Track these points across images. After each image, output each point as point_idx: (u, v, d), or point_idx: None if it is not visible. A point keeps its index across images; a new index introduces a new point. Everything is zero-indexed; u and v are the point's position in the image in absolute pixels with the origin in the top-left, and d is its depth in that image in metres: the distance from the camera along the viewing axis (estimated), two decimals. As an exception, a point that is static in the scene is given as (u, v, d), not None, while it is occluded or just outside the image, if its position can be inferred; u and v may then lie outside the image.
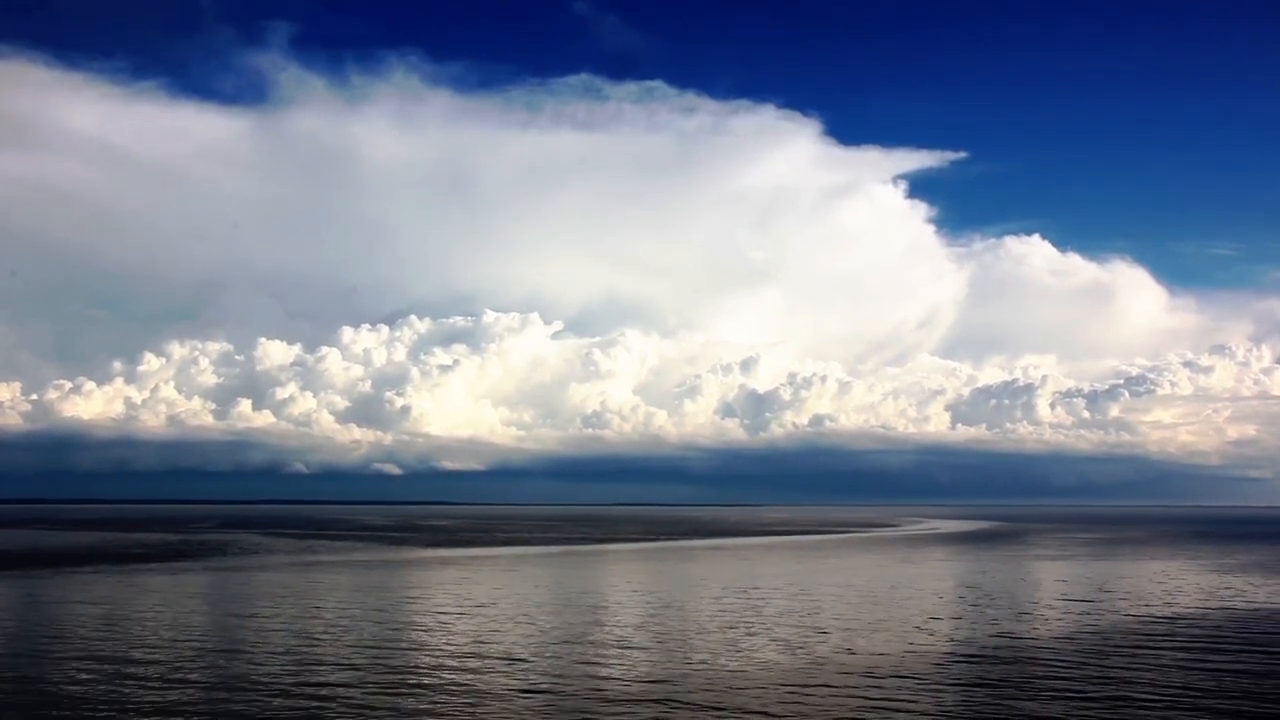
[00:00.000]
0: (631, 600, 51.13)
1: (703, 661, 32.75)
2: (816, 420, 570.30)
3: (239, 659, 32.92)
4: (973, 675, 30.39)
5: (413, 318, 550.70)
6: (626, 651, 34.56)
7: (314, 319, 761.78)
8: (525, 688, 28.43)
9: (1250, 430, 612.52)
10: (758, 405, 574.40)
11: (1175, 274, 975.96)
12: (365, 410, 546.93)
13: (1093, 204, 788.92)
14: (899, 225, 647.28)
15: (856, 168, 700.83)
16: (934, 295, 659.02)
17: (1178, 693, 28.01)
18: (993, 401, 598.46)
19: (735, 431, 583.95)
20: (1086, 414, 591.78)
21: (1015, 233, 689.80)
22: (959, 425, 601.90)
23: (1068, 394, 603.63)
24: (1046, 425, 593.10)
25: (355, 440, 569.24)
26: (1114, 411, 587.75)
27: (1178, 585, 60.71)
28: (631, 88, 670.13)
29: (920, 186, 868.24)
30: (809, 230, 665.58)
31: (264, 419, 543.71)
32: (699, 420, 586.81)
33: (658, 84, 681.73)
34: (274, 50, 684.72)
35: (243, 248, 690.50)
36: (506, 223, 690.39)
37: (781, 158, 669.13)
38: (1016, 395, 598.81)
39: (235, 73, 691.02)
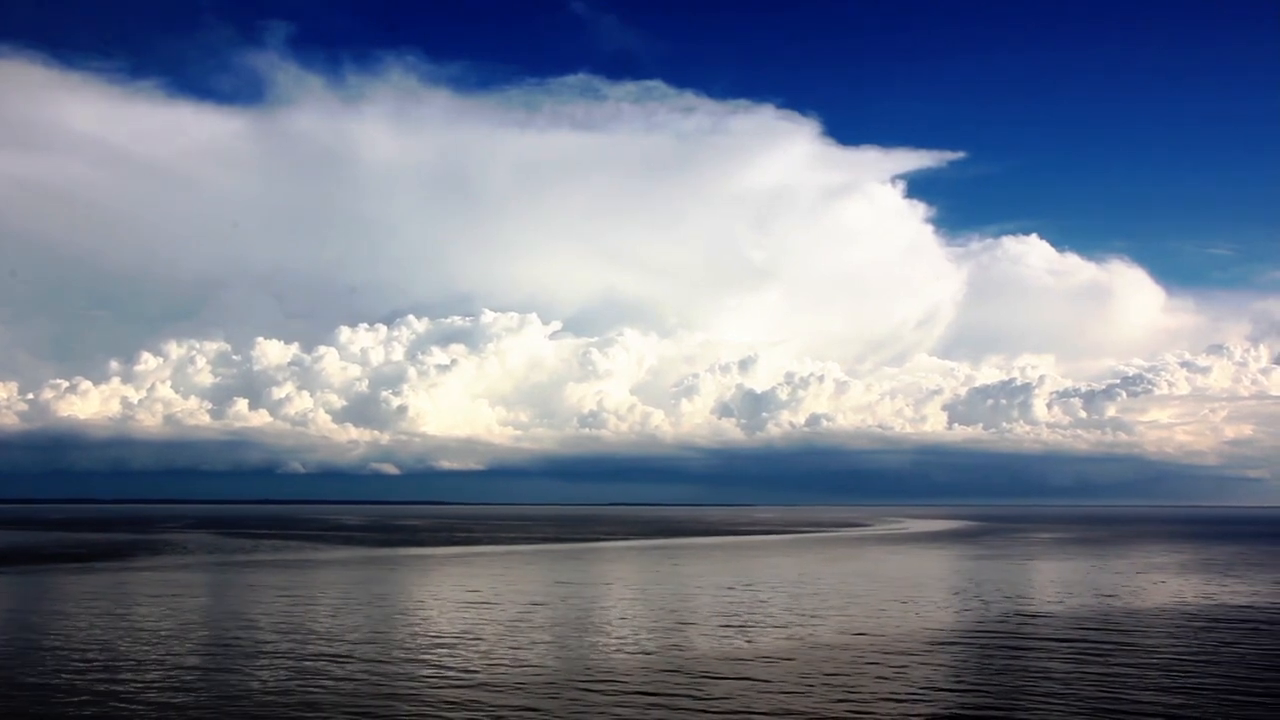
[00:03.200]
0: (505, 599, 51.40)
1: (498, 658, 33.10)
2: (814, 420, 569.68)
3: (56, 659, 33.35)
4: (757, 672, 30.76)
5: (411, 318, 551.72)
6: (447, 648, 34.94)
7: (312, 319, 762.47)
8: (320, 683, 28.86)
9: (1247, 430, 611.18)
10: (755, 405, 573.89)
11: (1173, 274, 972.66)
12: (362, 410, 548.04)
13: (1090, 204, 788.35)
14: (897, 225, 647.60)
15: (855, 168, 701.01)
16: (932, 295, 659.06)
17: (949, 690, 28.30)
18: (990, 401, 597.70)
19: (732, 431, 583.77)
20: (1083, 414, 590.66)
21: (1013, 232, 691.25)
22: (956, 425, 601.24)
23: (1065, 394, 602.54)
24: (1043, 425, 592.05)
25: (352, 440, 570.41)
26: (1111, 411, 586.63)
27: (1079, 584, 60.90)
28: (630, 87, 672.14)
29: (919, 186, 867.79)
30: (808, 230, 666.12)
31: (260, 418, 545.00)
32: (696, 420, 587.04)
33: (656, 84, 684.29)
34: (271, 49, 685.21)
35: (241, 247, 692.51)
36: (505, 223, 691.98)
37: (780, 157, 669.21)
38: (1014, 395, 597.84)
39: (233, 72, 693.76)
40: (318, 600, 50.61)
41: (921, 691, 28.08)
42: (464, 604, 48.88)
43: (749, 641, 36.94)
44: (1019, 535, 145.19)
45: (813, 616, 44.10)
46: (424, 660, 32.79)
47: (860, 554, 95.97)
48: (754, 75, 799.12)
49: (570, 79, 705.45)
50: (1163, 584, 61.59)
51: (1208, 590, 57.54)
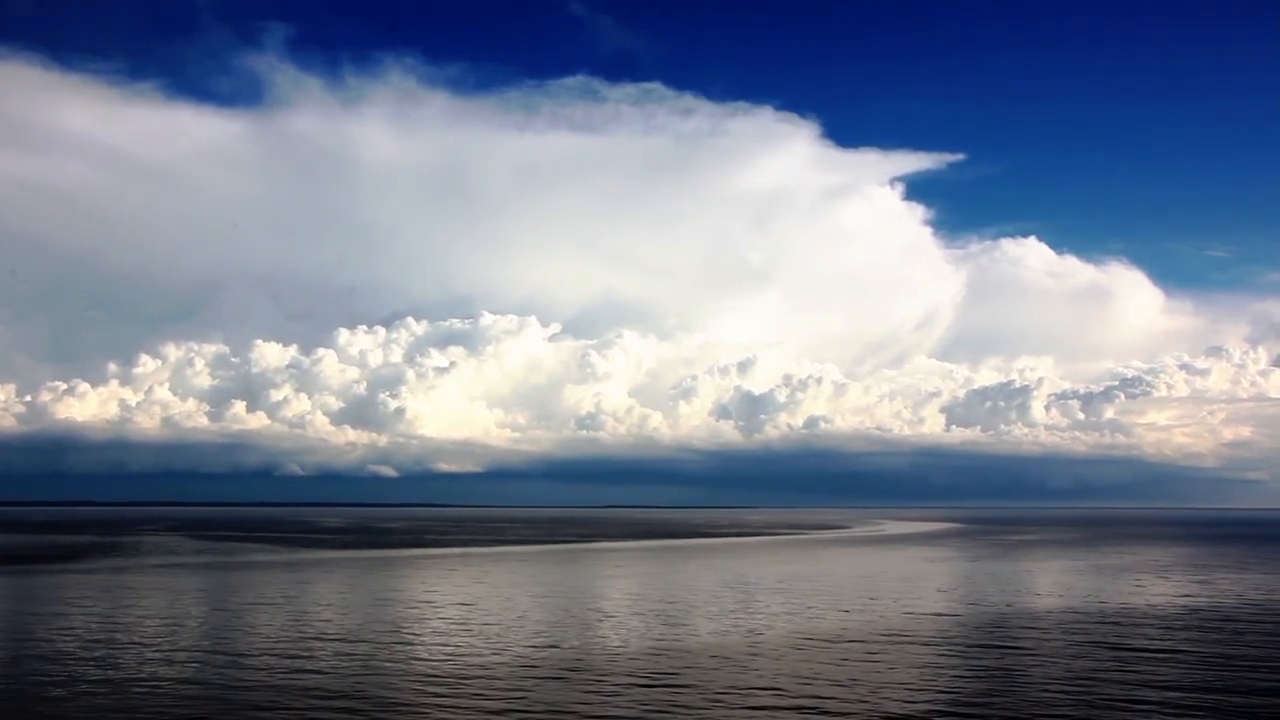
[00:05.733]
0: (413, 600, 51.64)
1: (359, 661, 33.31)
2: (811, 422, 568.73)
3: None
4: (619, 670, 30.98)
5: (410, 320, 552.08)
6: (299, 648, 35.17)
7: (311, 321, 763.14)
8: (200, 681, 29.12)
9: (1246, 432, 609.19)
10: (753, 407, 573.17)
11: (1172, 276, 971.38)
12: (360, 412, 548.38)
13: (1089, 206, 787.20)
14: (896, 227, 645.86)
15: (854, 169, 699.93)
16: (931, 297, 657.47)
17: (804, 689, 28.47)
18: (988, 403, 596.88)
19: (730, 433, 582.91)
20: (1082, 416, 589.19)
21: (1012, 234, 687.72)
22: (954, 427, 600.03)
23: (1063, 396, 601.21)
24: (1042, 427, 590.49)
25: (350, 442, 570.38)
26: (1109, 413, 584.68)
27: (999, 584, 60.95)
28: (629, 89, 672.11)
29: (917, 188, 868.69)
30: (807, 232, 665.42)
31: (258, 421, 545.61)
32: (694, 422, 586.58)
33: (655, 85, 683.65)
34: (270, 51, 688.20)
35: (240, 249, 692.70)
36: (504, 225, 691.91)
37: (779, 159, 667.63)
38: (1012, 397, 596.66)
39: (232, 74, 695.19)
40: (224, 602, 50.89)
41: (742, 690, 28.25)
42: (362, 606, 49.09)
43: (622, 643, 37.09)
44: (993, 537, 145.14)
45: (704, 618, 44.27)
46: (264, 657, 32.97)
47: (816, 556, 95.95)
48: (753, 77, 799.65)
49: (569, 81, 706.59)
50: (1080, 583, 61.67)
51: (1124, 589, 57.66)
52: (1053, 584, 62.27)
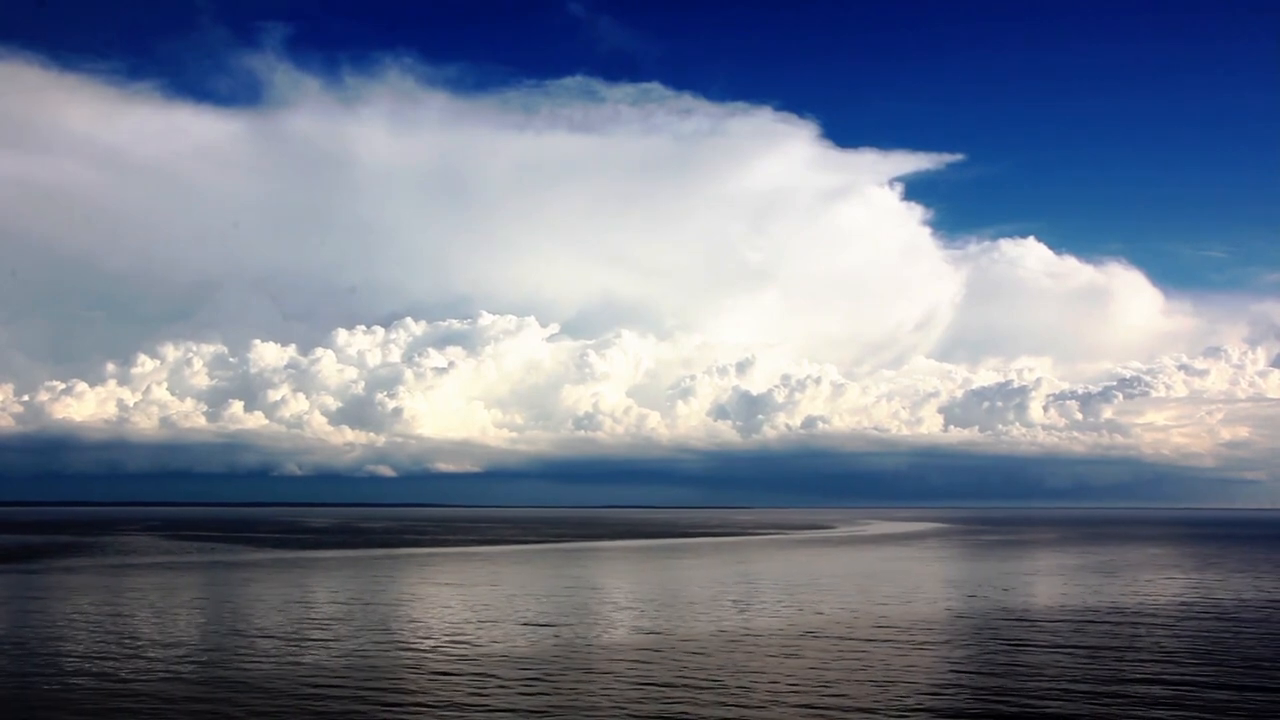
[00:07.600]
0: (337, 600, 51.66)
1: (257, 659, 33.32)
2: (809, 422, 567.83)
3: None
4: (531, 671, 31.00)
5: (408, 320, 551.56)
6: (196, 647, 35.19)
7: (310, 321, 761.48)
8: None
9: (1244, 432, 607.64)
10: (751, 407, 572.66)
11: (1171, 276, 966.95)
12: (358, 412, 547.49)
13: (1088, 206, 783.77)
14: (895, 227, 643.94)
15: (853, 170, 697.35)
16: (930, 297, 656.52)
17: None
18: (986, 403, 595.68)
19: (728, 433, 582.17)
20: (1080, 416, 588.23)
21: (1011, 235, 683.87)
22: (952, 427, 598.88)
23: (1061, 396, 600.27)
24: (1040, 427, 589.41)
25: (348, 442, 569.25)
26: (1107, 414, 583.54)
27: (940, 585, 61.01)
28: (628, 89, 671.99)
29: (916, 188, 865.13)
30: (806, 232, 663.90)
31: (256, 421, 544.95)
32: (692, 422, 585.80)
33: (654, 86, 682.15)
34: (269, 51, 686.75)
35: (239, 249, 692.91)
36: (503, 225, 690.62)
37: (778, 160, 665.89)
38: (1010, 397, 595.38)
39: (230, 74, 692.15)
40: (154, 601, 50.98)
41: (621, 685, 28.25)
42: (291, 605, 49.11)
43: (530, 642, 37.11)
44: (972, 537, 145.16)
45: (626, 617, 44.33)
46: (166, 649, 33.01)
47: (784, 556, 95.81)
48: (752, 77, 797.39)
49: (568, 81, 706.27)
50: (1024, 584, 61.74)
51: (1069, 589, 57.63)
52: (996, 583, 62.17)
